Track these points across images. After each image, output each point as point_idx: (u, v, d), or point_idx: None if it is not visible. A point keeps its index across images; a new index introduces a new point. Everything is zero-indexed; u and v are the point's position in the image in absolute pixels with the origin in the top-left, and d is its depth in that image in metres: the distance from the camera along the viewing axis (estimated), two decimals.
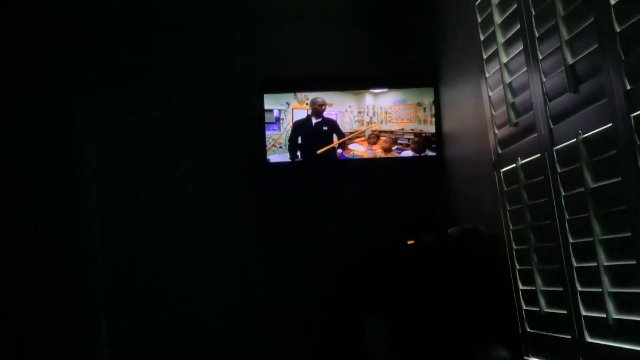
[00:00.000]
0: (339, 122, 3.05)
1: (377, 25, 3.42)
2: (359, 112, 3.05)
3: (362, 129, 3.04)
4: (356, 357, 2.72)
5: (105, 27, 3.29)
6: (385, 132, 3.06)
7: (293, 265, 3.17)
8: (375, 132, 3.04)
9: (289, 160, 3.01)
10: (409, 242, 2.31)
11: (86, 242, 3.13)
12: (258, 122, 3.08)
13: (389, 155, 3.06)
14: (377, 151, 3.05)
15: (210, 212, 3.23)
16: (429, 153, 3.04)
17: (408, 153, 3.06)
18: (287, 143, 3.01)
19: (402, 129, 3.06)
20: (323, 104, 3.02)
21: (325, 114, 3.05)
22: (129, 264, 3.16)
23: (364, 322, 2.49)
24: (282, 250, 3.19)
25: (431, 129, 3.04)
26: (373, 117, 3.05)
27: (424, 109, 3.05)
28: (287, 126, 3.02)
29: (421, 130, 3.06)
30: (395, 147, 3.06)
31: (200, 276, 3.17)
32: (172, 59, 3.31)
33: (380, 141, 3.04)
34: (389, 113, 3.06)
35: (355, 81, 3.09)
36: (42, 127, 3.20)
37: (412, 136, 3.06)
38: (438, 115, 3.03)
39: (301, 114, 3.04)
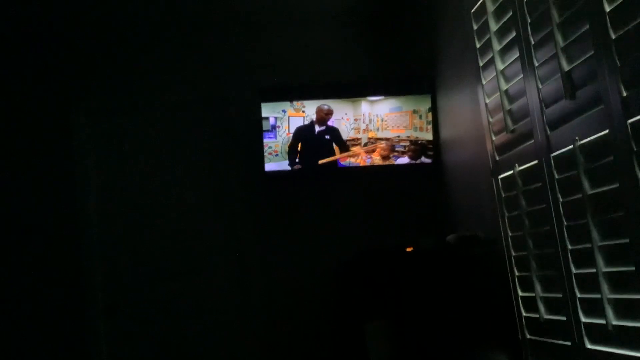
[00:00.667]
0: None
1: (374, 33, 3.44)
2: (355, 120, 3.05)
3: (359, 136, 3.05)
4: None
5: (104, 33, 3.29)
6: (382, 139, 3.06)
7: (292, 271, 3.17)
8: (372, 140, 3.05)
9: (287, 167, 3.01)
10: (408, 249, 2.31)
11: (85, 246, 3.13)
12: (255, 129, 3.07)
13: (387, 162, 3.06)
14: (376, 159, 3.06)
15: (208, 218, 3.23)
16: (425, 160, 3.05)
17: (404, 160, 3.06)
18: (287, 149, 3.01)
19: (399, 137, 3.07)
20: (329, 113, 3.02)
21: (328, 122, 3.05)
22: (128, 269, 3.16)
23: (363, 327, 2.48)
24: (281, 256, 3.19)
25: (427, 136, 3.05)
26: (369, 124, 3.06)
27: (420, 117, 3.06)
28: (283, 134, 3.02)
29: (417, 137, 3.06)
30: (393, 154, 3.06)
31: (198, 281, 3.16)
32: (170, 65, 3.32)
33: (378, 149, 3.05)
34: (385, 120, 3.07)
35: (353, 89, 3.10)
36: (40, 131, 3.20)
37: (408, 143, 3.06)
38: (435, 122, 3.04)
39: (297, 121, 3.04)
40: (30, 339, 3.02)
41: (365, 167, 3.06)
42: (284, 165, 3.02)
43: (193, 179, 3.26)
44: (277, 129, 3.03)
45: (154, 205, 3.22)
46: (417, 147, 3.05)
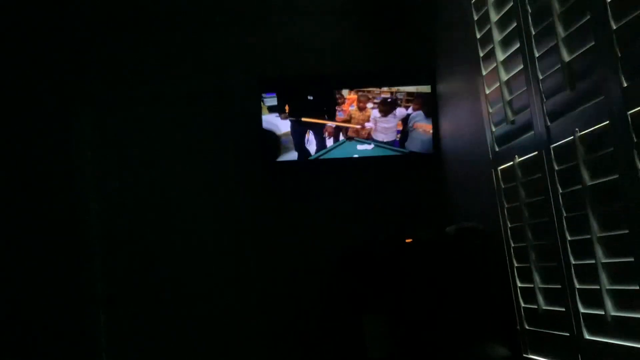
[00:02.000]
0: None
1: (374, 24, 3.42)
2: None
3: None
4: (355, 354, 2.72)
5: (103, 25, 3.28)
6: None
7: (291, 263, 3.17)
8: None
9: (276, 117, 3.02)
10: (407, 240, 2.31)
11: (85, 238, 3.12)
12: (255, 120, 3.06)
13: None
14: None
15: (208, 209, 3.22)
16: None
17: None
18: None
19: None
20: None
21: None
22: (128, 260, 3.16)
23: (362, 319, 2.49)
24: (280, 248, 3.18)
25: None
26: None
27: None
28: None
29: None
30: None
31: (197, 272, 3.17)
32: (169, 56, 3.30)
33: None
34: None
35: (354, 80, 3.08)
36: (40, 124, 3.18)
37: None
38: (435, 113, 3.03)
39: None
40: (30, 329, 3.02)
41: (366, 157, 3.05)
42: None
43: (192, 168, 3.25)
44: None
45: (154, 193, 3.21)
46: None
